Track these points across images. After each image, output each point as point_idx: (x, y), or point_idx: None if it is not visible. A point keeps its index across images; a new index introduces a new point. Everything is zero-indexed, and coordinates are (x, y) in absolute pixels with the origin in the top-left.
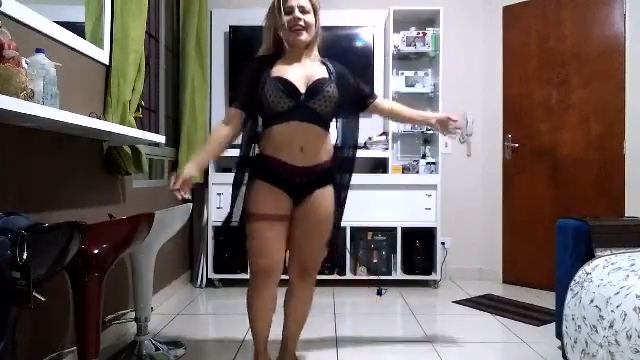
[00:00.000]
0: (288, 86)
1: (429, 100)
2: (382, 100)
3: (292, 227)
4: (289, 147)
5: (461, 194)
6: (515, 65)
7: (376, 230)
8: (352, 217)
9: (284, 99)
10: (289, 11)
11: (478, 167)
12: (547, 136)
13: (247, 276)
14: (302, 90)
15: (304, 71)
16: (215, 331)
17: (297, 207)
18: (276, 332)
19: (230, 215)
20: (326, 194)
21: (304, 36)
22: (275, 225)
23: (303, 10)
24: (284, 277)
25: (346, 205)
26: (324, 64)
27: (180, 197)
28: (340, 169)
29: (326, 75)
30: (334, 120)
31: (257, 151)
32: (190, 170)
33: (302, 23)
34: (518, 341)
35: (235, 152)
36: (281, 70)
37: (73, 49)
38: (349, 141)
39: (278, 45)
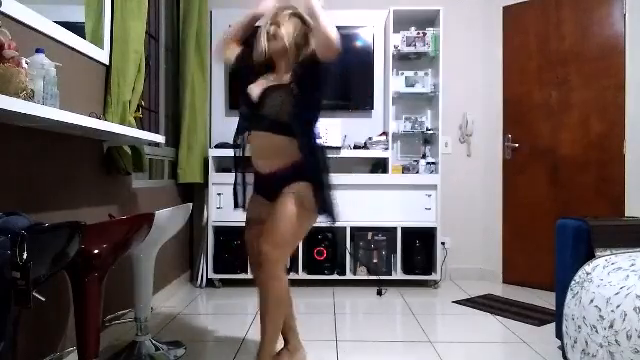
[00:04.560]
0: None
1: (429, 100)
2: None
3: None
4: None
5: (461, 194)
6: (515, 65)
7: (376, 230)
8: (352, 217)
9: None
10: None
11: (478, 167)
12: (547, 136)
13: (247, 276)
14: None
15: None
16: (215, 331)
17: None
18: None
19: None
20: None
21: (272, 44)
22: None
23: (277, 24)
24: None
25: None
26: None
27: None
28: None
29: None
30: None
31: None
32: None
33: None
34: (518, 341)
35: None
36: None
37: (73, 49)
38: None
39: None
